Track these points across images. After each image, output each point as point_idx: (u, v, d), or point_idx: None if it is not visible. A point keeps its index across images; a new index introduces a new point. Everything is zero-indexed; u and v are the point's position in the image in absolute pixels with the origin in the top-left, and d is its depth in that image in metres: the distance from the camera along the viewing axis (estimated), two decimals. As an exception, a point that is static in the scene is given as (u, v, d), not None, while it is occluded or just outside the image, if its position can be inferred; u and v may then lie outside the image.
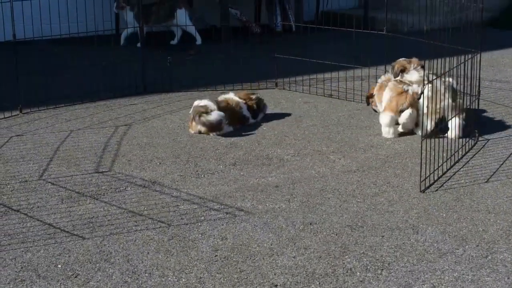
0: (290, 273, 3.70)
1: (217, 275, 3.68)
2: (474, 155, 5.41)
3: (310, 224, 4.26)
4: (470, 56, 5.44)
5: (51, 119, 6.54)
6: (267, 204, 4.56)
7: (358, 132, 6.05)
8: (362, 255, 3.88)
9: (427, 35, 4.79)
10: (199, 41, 10.04)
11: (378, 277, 3.65)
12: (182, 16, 9.80)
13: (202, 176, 5.08)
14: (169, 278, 3.65)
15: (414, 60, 6.51)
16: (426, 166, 4.77)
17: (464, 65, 5.34)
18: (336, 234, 4.12)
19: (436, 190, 4.76)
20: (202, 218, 4.36)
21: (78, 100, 7.02)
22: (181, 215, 4.41)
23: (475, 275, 3.67)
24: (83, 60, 8.31)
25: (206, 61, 8.66)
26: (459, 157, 5.30)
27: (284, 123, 6.34)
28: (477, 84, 5.70)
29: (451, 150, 5.20)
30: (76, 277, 3.67)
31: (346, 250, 3.93)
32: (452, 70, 5.20)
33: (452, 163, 5.17)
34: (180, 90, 7.40)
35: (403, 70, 6.45)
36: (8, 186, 4.90)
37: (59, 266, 3.78)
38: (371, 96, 6.43)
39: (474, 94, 5.69)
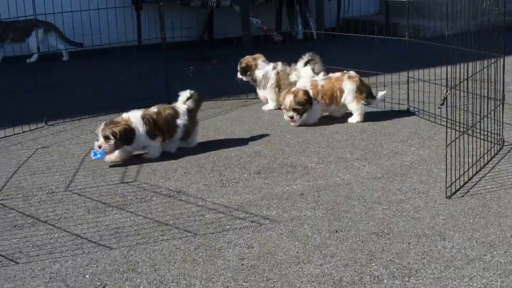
0: (317, 281, 3.69)
1: (244, 283, 3.69)
2: (500, 160, 5.37)
3: (336, 231, 4.26)
4: (493, 60, 5.41)
5: (76, 130, 6.60)
6: (293, 212, 4.56)
7: (382, 139, 6.03)
8: (389, 262, 3.86)
9: (449, 40, 4.78)
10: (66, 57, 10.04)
11: (405, 285, 3.63)
12: (40, 36, 9.76)
13: (227, 185, 5.09)
14: (196, 287, 3.66)
15: (258, 56, 7.27)
16: (451, 172, 4.75)
17: (488, 69, 5.31)
18: (363, 242, 4.11)
19: (462, 196, 4.73)
20: (228, 227, 4.37)
21: (102, 112, 7.08)
22: (206, 224, 4.42)
23: (504, 281, 3.64)
24: (106, 71, 8.38)
25: (229, 70, 8.68)
26: (485, 163, 5.26)
27: (307, 131, 6.34)
28: (501, 88, 5.66)
29: (476, 155, 5.17)
30: (104, 287, 3.69)
31: (372, 258, 3.91)
32: (475, 75, 5.18)
33: (478, 169, 5.13)
34: (203, 99, 7.40)
35: (249, 67, 7.19)
36: (36, 198, 4.94)
37: (87, 276, 3.81)
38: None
39: (498, 98, 5.65)
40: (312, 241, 4.14)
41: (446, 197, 4.69)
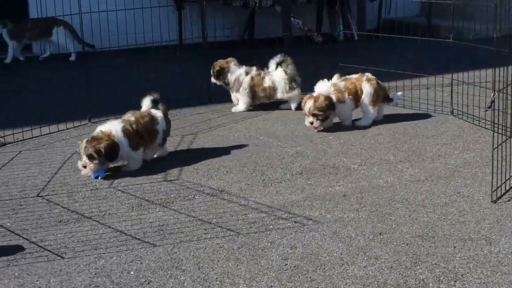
0: (361, 283, 3.67)
1: (287, 284, 3.68)
2: (547, 165, 5.29)
3: (380, 234, 4.23)
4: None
5: (119, 128, 6.64)
6: (336, 213, 4.54)
7: (425, 141, 5.97)
8: (434, 266, 3.82)
9: (496, 42, 4.72)
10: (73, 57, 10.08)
11: (451, 288, 3.60)
12: (62, 34, 9.81)
13: (269, 185, 5.09)
14: (240, 286, 3.67)
15: (231, 59, 7.25)
16: (497, 176, 4.68)
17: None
18: (407, 244, 4.07)
19: (509, 200, 4.66)
20: (271, 227, 4.37)
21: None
22: (249, 223, 4.42)
23: (552, 287, 3.58)
24: (148, 70, 8.43)
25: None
26: (531, 167, 5.18)
27: (349, 132, 6.31)
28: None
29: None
30: (148, 283, 3.72)
31: (417, 261, 3.88)
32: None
33: (524, 173, 5.06)
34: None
35: (222, 70, 7.16)
36: (80, 194, 5.00)
37: (132, 273, 3.84)
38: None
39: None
40: (356, 242, 4.12)
41: (492, 201, 4.63)
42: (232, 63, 7.23)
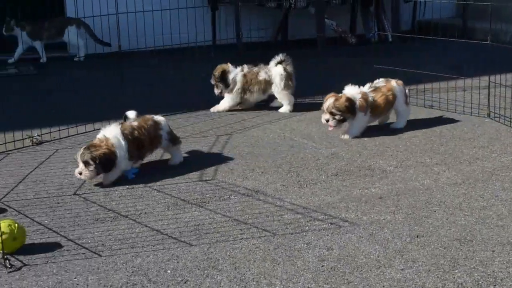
0: (399, 286, 3.64)
1: (324, 285, 3.67)
2: None
3: (417, 236, 4.19)
4: None
5: (154, 127, 6.68)
6: (372, 216, 4.52)
7: (462, 144, 5.92)
8: (472, 269, 3.78)
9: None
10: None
11: (490, 293, 3.56)
12: (72, 34, 9.82)
13: (305, 186, 5.08)
14: (277, 287, 3.66)
15: (228, 64, 7.21)
16: (537, 179, 4.63)
17: None
18: (445, 248, 4.04)
19: (548, 204, 4.61)
20: (307, 228, 4.36)
21: (179, 110, 7.17)
22: (285, 224, 4.42)
23: None
24: (182, 70, 8.47)
25: (303, 72, 8.66)
26: None
27: (384, 134, 6.27)
28: None
29: (562, 163, 5.02)
30: (185, 283, 3.73)
31: (455, 264, 3.84)
32: None
33: None
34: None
35: (225, 73, 7.10)
36: (116, 192, 5.03)
37: (169, 271, 3.85)
38: None
39: None
40: (393, 245, 4.09)
41: (531, 206, 4.58)
42: (230, 65, 7.26)
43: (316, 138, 6.22)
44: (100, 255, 4.05)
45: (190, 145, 6.08)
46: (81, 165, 5.06)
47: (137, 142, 5.28)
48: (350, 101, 6.09)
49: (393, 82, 6.42)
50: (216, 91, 7.21)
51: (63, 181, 5.28)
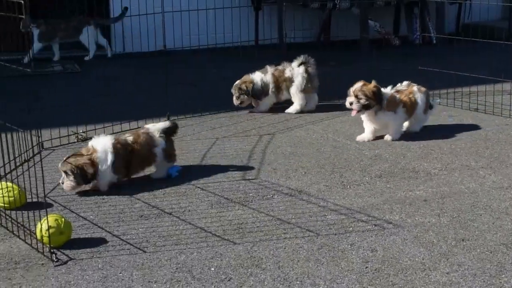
0: (444, 289, 3.61)
1: (369, 287, 3.65)
2: None
3: (463, 240, 4.14)
4: None
5: (197, 126, 6.73)
6: (416, 218, 4.48)
7: (508, 148, 5.83)
8: (520, 275, 3.73)
9: None
10: (109, 54, 10.17)
11: (538, 299, 3.50)
12: (91, 33, 9.80)
13: (348, 187, 5.06)
14: (321, 287, 3.65)
15: (248, 75, 7.14)
16: None
17: None
18: (491, 252, 3.98)
19: None
20: (350, 229, 4.34)
21: (222, 109, 7.19)
22: (329, 225, 4.40)
23: None
24: (225, 70, 8.50)
25: (346, 72, 8.64)
26: None
27: (429, 137, 6.22)
28: None
29: None
30: (229, 280, 3.74)
31: (502, 269, 3.79)
32: None
33: None
34: (321, 101, 7.41)
35: (247, 83, 7.04)
36: (160, 190, 5.06)
37: (212, 269, 3.87)
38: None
39: None
40: (438, 248, 4.05)
41: None
42: (250, 74, 7.19)
43: (359, 139, 6.18)
44: (145, 251, 4.08)
45: (233, 144, 6.10)
46: (63, 174, 4.93)
47: (127, 159, 5.07)
48: (378, 88, 5.98)
49: (415, 88, 6.25)
50: (236, 102, 7.16)
51: (108, 177, 5.33)
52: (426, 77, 7.44)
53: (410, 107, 6.16)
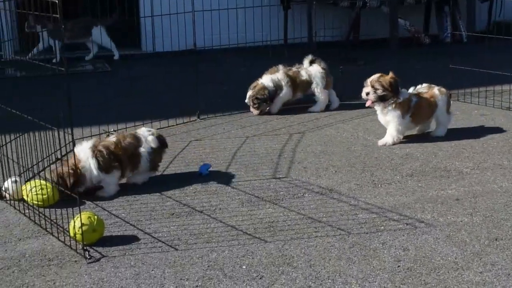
0: (477, 288, 3.58)
1: (401, 286, 3.63)
2: None
3: (496, 239, 4.11)
4: None
5: (227, 125, 6.75)
6: (449, 217, 4.45)
7: (542, 147, 5.78)
8: (555, 275, 3.69)
9: None
10: (116, 55, 10.12)
11: None
12: (97, 34, 9.77)
13: (379, 186, 5.04)
14: (353, 286, 3.64)
15: (257, 81, 7.06)
16: None
17: None
18: (525, 252, 3.95)
19: None
20: (382, 228, 4.32)
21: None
22: (360, 223, 4.39)
23: None
24: (254, 69, 8.50)
25: (376, 71, 8.59)
26: None
27: (460, 135, 6.17)
28: None
29: None
30: (261, 278, 3.75)
31: (536, 269, 3.75)
32: None
33: None
34: (351, 99, 7.39)
35: (262, 89, 6.96)
36: (191, 188, 5.09)
37: (244, 267, 3.88)
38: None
39: None
40: (471, 247, 4.01)
41: None
42: (260, 79, 7.11)
43: (390, 138, 6.15)
44: (176, 249, 4.10)
45: (263, 143, 6.11)
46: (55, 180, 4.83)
47: (116, 158, 4.96)
48: (396, 80, 5.87)
49: (436, 90, 6.09)
50: (256, 112, 7.08)
51: (139, 175, 5.37)
52: (455, 75, 7.40)
53: (424, 114, 6.01)
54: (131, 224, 4.46)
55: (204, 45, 7.50)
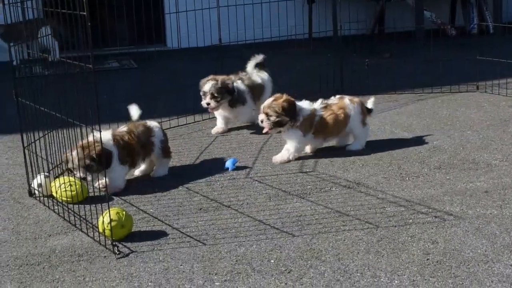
0: (508, 281, 3.54)
1: (430, 279, 3.61)
2: None
3: (526, 232, 4.07)
4: None
5: (253, 120, 6.74)
6: (478, 210, 4.41)
7: None
8: None
9: None
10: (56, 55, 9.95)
11: None
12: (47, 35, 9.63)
13: (407, 178, 5.01)
14: (382, 279, 3.63)
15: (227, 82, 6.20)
16: None
17: None
18: (556, 244, 3.90)
19: None
20: (410, 221, 4.30)
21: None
22: (388, 217, 4.37)
23: None
24: (278, 64, 8.49)
25: (402, 64, 8.55)
26: None
27: (488, 127, 6.11)
28: None
29: None
30: (289, 272, 3.75)
31: None
32: None
33: None
34: (376, 93, 7.35)
35: (226, 86, 6.13)
36: (218, 183, 5.10)
37: (272, 261, 3.88)
38: None
39: None
40: (501, 240, 3.98)
41: None
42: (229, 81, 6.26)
43: (417, 131, 6.12)
44: (205, 244, 4.12)
45: (289, 137, 6.09)
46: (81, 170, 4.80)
47: (128, 148, 5.02)
48: (290, 102, 5.40)
49: (347, 100, 5.63)
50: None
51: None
52: (483, 67, 7.33)
53: (331, 129, 5.53)
54: (159, 220, 4.48)
55: (229, 41, 7.49)
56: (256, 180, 5.12)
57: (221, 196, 4.85)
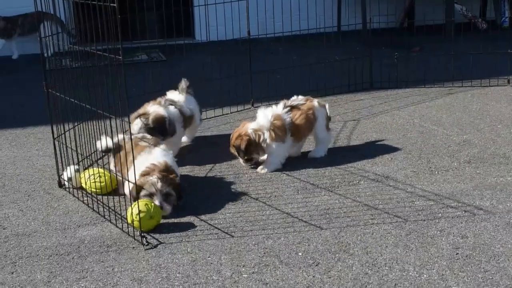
0: (539, 276, 3.51)
1: (459, 273, 3.58)
2: None
3: (558, 227, 4.02)
4: None
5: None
6: (508, 204, 4.36)
7: None
8: None
9: None
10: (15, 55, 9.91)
11: None
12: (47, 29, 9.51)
13: (436, 172, 4.97)
14: (410, 273, 3.61)
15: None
16: None
17: None
18: None
19: None
20: (440, 215, 4.27)
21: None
22: (417, 211, 4.34)
23: None
24: (307, 57, 8.47)
25: (432, 57, 8.48)
26: None
27: (519, 122, 6.05)
28: None
29: None
30: (317, 265, 3.74)
31: None
32: None
33: None
34: (406, 86, 7.30)
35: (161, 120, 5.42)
36: (246, 176, 5.10)
37: (300, 254, 3.87)
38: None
39: None
40: (532, 235, 3.94)
41: None
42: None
43: (447, 125, 6.07)
44: (232, 236, 4.12)
45: (317, 131, 6.07)
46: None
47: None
48: (249, 142, 5.12)
49: (315, 102, 5.41)
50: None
51: (194, 163, 5.40)
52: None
53: (303, 129, 5.31)
54: (187, 211, 4.50)
55: (258, 34, 7.48)
56: (284, 173, 5.11)
57: (249, 188, 4.85)
